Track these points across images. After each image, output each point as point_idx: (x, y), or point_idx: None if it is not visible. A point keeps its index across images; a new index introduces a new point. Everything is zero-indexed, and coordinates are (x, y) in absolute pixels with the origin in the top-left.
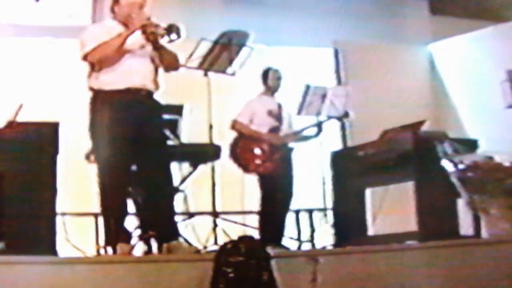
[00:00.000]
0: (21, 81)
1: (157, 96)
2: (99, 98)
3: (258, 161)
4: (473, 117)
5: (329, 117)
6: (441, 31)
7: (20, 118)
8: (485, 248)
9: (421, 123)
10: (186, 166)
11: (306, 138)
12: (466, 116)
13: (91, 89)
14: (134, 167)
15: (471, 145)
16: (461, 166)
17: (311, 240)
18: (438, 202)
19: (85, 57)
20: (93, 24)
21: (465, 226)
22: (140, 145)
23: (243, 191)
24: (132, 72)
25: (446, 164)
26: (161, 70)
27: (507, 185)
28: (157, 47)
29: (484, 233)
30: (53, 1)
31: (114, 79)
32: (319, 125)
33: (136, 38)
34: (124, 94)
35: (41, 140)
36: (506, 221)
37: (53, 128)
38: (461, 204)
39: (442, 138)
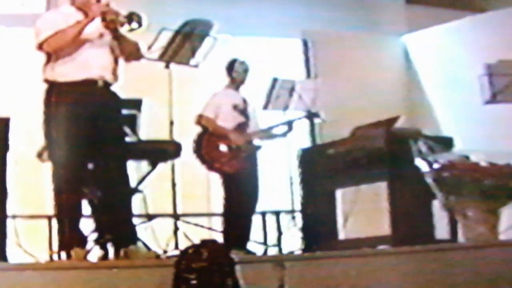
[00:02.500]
0: None
1: (115, 88)
2: (54, 90)
3: (224, 159)
4: (449, 113)
5: (301, 117)
6: (416, 21)
7: None
8: (461, 253)
9: (394, 119)
10: (144, 165)
11: (274, 136)
12: (442, 112)
13: (47, 81)
14: (90, 166)
15: (446, 143)
16: (436, 166)
17: (278, 244)
18: (412, 204)
19: (40, 46)
20: (50, 11)
21: (441, 229)
22: (96, 141)
23: (208, 192)
24: (89, 63)
25: (421, 164)
26: (122, 61)
27: (484, 186)
28: (117, 36)
29: (460, 237)
30: None
31: (70, 70)
32: (289, 124)
33: (95, 27)
34: (80, 86)
35: None
36: (483, 224)
37: (3, 123)
38: (437, 206)
39: (416, 135)
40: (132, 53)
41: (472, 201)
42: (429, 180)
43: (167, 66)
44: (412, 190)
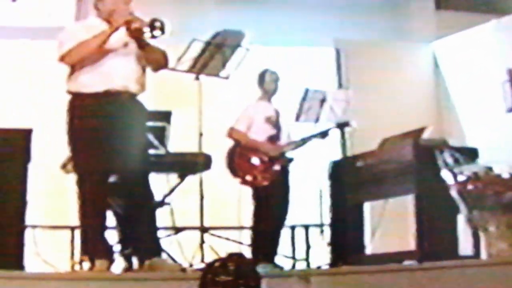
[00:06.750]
0: None
1: (142, 99)
2: (78, 102)
3: (256, 172)
4: (474, 122)
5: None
6: (446, 27)
7: None
8: (484, 270)
9: (421, 130)
10: (173, 177)
11: (307, 142)
12: (468, 120)
13: (70, 92)
14: (112, 178)
15: (471, 154)
16: (461, 178)
17: (307, 258)
18: (438, 218)
19: (62, 58)
20: (73, 23)
21: (464, 245)
22: (120, 153)
23: (239, 205)
24: (112, 73)
25: (447, 176)
26: (149, 71)
27: (505, 200)
28: (142, 45)
29: (483, 253)
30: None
31: (93, 81)
32: (325, 134)
33: (120, 36)
34: (103, 97)
35: (11, 148)
36: (503, 240)
37: (25, 135)
38: (461, 221)
39: (442, 146)
40: (159, 62)
41: (494, 215)
42: (454, 193)
43: (197, 78)
44: (438, 204)
